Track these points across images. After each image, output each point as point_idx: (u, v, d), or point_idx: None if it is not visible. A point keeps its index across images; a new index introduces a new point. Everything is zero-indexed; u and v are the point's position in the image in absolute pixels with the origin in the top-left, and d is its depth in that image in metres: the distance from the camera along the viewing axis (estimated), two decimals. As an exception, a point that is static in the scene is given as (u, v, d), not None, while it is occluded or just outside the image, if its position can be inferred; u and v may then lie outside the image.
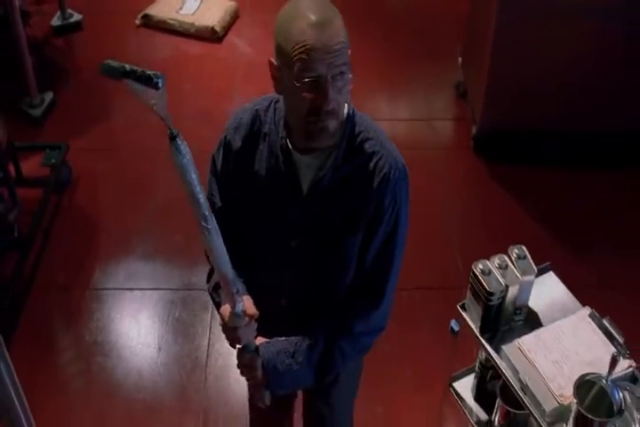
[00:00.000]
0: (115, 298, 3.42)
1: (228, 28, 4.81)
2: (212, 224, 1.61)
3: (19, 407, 2.01)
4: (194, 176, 1.53)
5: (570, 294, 2.41)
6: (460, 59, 4.37)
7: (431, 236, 3.62)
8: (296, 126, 1.84)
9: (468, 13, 4.27)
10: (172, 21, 4.76)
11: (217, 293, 1.98)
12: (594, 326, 2.28)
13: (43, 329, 3.30)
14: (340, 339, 1.95)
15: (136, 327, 3.32)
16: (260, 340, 1.94)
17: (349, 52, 1.75)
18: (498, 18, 3.66)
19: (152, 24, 4.81)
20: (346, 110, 1.87)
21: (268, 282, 2.03)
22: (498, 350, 2.26)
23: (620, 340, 2.22)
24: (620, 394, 1.98)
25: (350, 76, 1.77)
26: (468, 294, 2.31)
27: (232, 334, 1.85)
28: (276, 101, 1.92)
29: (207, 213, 1.59)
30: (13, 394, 1.98)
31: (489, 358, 2.30)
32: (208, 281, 2.07)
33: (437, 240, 3.61)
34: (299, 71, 1.71)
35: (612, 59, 3.76)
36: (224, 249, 1.67)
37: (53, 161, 3.77)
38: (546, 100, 3.87)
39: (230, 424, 3.01)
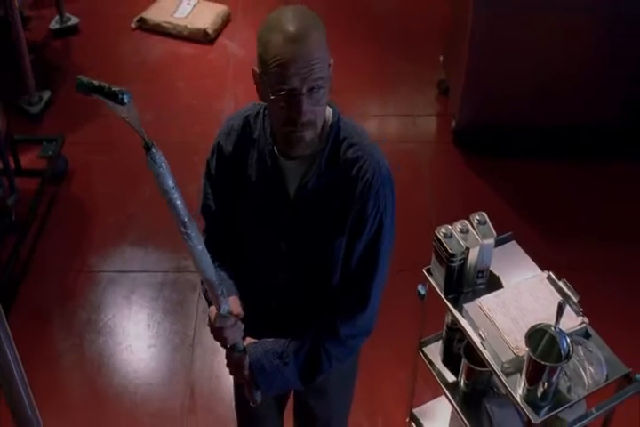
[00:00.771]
0: (108, 280, 3.59)
1: (219, 30, 5.00)
2: (193, 230, 1.62)
3: (17, 376, 2.17)
4: (171, 184, 1.55)
5: (530, 260, 2.56)
6: (441, 57, 4.56)
7: (413, 223, 3.78)
8: (276, 134, 1.88)
9: (448, 15, 4.47)
10: (166, 24, 4.96)
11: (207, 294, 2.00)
12: (551, 287, 2.43)
13: (38, 308, 3.47)
14: (327, 341, 1.98)
15: (127, 306, 3.49)
16: (248, 340, 1.98)
17: (331, 64, 1.78)
18: (474, 17, 3.84)
19: (147, 27, 5.00)
20: (330, 116, 1.91)
21: (259, 283, 2.07)
22: (460, 310, 2.41)
23: (575, 299, 2.37)
24: (568, 341, 2.12)
25: (328, 88, 1.79)
26: (433, 258, 2.46)
27: (219, 335, 1.88)
28: (266, 108, 1.95)
29: (187, 220, 1.60)
30: (12, 363, 2.15)
31: (453, 317, 2.45)
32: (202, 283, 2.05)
33: (418, 226, 3.77)
34: (274, 83, 1.74)
35: (586, 54, 3.93)
36: (206, 253, 1.69)
37: (50, 153, 3.94)
38: (521, 94, 4.04)
39: (215, 398, 3.16)
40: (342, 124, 1.92)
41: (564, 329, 2.17)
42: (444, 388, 2.63)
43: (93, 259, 3.68)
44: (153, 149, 1.53)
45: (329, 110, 1.92)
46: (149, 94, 4.51)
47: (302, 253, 2.00)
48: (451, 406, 2.69)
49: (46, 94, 4.40)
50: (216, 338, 1.91)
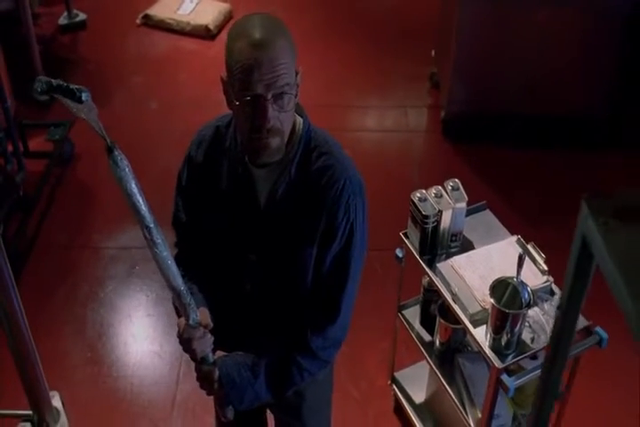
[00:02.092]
0: (110, 256, 3.78)
1: (221, 26, 5.21)
2: (158, 236, 1.59)
3: (27, 340, 2.36)
4: (134, 187, 1.52)
5: (502, 226, 2.74)
6: (433, 52, 4.75)
7: (403, 207, 3.95)
8: (243, 142, 1.87)
9: (439, 12, 4.67)
10: (169, 20, 5.17)
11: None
12: (520, 249, 2.61)
13: (44, 280, 3.65)
14: (298, 354, 1.96)
15: (128, 279, 3.67)
16: (219, 354, 1.96)
17: (299, 72, 1.78)
18: (461, 12, 4.02)
19: (152, 23, 5.21)
20: (300, 125, 1.89)
21: (228, 294, 2.05)
22: (434, 269, 2.59)
23: (541, 260, 2.54)
24: (529, 291, 2.29)
25: (294, 95, 1.77)
26: (409, 222, 2.64)
27: (187, 346, 1.84)
28: None
29: (152, 226, 1.57)
30: (24, 331, 2.33)
31: (427, 276, 2.63)
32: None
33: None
34: (239, 89, 1.73)
35: (571, 46, 4.09)
36: (172, 260, 1.66)
37: (57, 137, 4.13)
38: (507, 86, 4.22)
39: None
40: (313, 133, 1.92)
41: (530, 286, 2.34)
42: (422, 347, 2.80)
43: (97, 236, 3.87)
44: (115, 152, 1.50)
45: (299, 120, 1.91)
46: (154, 86, 4.73)
47: (272, 264, 1.98)
48: (429, 368, 2.86)
49: (54, 84, 4.60)
50: (185, 350, 1.87)
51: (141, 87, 4.76)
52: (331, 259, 1.93)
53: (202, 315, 1.82)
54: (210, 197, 1.97)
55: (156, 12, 5.23)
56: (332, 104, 4.64)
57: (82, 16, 5.17)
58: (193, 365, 1.93)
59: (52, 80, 1.47)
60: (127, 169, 1.52)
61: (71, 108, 1.47)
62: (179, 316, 1.87)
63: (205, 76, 4.85)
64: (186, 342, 1.84)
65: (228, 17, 5.28)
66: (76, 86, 1.45)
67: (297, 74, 1.80)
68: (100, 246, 3.82)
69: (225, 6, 5.29)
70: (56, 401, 2.56)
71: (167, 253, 1.64)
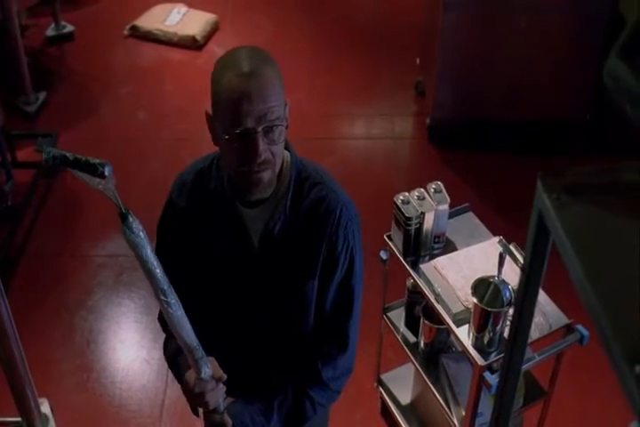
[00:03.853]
0: (99, 263, 3.80)
1: (208, 37, 5.25)
2: (172, 297, 1.57)
3: (14, 347, 2.37)
4: (149, 253, 1.49)
5: (485, 228, 2.78)
6: (417, 60, 4.80)
7: (387, 213, 4.00)
8: (233, 179, 1.81)
9: (423, 20, 4.72)
10: (157, 31, 5.21)
11: (176, 360, 1.94)
12: (501, 249, 2.64)
13: (33, 288, 3.67)
14: (310, 388, 1.93)
15: (116, 287, 3.69)
16: (227, 400, 1.87)
17: (287, 104, 1.74)
18: (444, 20, 4.05)
19: (139, 34, 5.25)
20: (288, 157, 1.85)
21: (228, 340, 2.00)
22: (417, 270, 2.62)
23: (523, 259, 2.57)
24: (510, 289, 2.33)
25: (285, 127, 1.73)
26: (392, 224, 2.68)
27: (200, 400, 1.77)
28: (218, 159, 1.89)
29: (166, 288, 1.55)
30: (11, 337, 2.34)
31: (411, 277, 2.66)
32: (165, 349, 2.05)
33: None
34: (227, 123, 1.68)
35: (554, 52, 4.13)
36: (185, 319, 1.62)
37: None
38: (491, 92, 4.27)
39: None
40: (302, 164, 1.88)
41: (512, 285, 2.38)
42: (407, 349, 2.83)
43: (84, 244, 3.89)
44: (130, 218, 1.47)
45: (286, 152, 1.86)
46: (141, 96, 4.76)
47: (272, 303, 1.93)
48: (414, 370, 2.89)
49: (42, 95, 4.63)
50: (196, 404, 1.81)
51: (129, 97, 4.79)
52: (334, 288, 1.91)
53: (212, 366, 1.76)
54: (199, 244, 1.91)
55: (144, 23, 5.27)
56: (320, 113, 4.68)
57: (69, 28, 5.20)
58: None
59: (67, 154, 1.41)
60: (142, 234, 1.49)
61: (84, 178, 1.43)
62: (176, 376, 1.88)
63: (192, 86, 4.88)
64: (198, 396, 1.77)
65: (214, 27, 5.32)
66: (98, 160, 1.40)
67: (286, 105, 1.76)
68: (87, 254, 3.84)
69: (212, 17, 5.34)
70: (45, 408, 2.58)
71: (181, 313, 1.61)
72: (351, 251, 1.89)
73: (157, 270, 1.53)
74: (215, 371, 1.76)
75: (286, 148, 1.86)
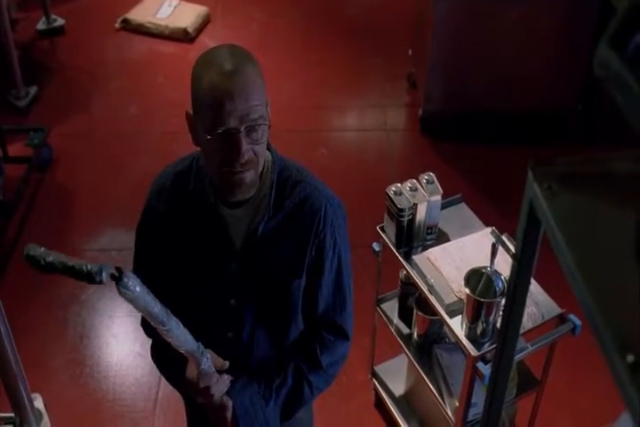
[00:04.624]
0: (91, 258, 3.78)
1: (199, 29, 5.22)
2: (170, 323, 1.58)
3: (7, 343, 2.36)
4: (148, 300, 1.50)
5: (477, 219, 2.78)
6: (410, 51, 4.79)
7: (379, 205, 4.00)
8: (215, 179, 1.78)
9: (415, 12, 4.71)
10: (148, 24, 5.18)
11: (167, 364, 1.98)
12: (493, 240, 2.64)
13: (24, 283, 3.64)
14: (309, 373, 1.96)
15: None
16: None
17: (268, 104, 1.71)
18: (435, 11, 4.05)
19: (130, 27, 5.22)
20: (269, 157, 1.83)
21: (213, 340, 1.91)
22: (410, 262, 2.62)
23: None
24: (502, 279, 2.33)
25: (267, 126, 1.71)
26: (385, 216, 2.67)
27: (206, 394, 1.79)
28: (197, 159, 1.87)
29: (165, 320, 1.56)
30: (3, 333, 2.33)
31: (404, 268, 2.66)
32: (153, 355, 2.08)
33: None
34: (210, 123, 1.65)
35: (545, 43, 4.14)
36: (186, 335, 1.64)
37: (36, 141, 4.14)
38: (482, 82, 4.27)
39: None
40: (282, 163, 1.87)
41: (504, 275, 2.38)
42: (400, 340, 2.83)
43: (76, 238, 3.88)
44: (125, 279, 1.45)
45: (267, 152, 1.84)
46: (132, 89, 4.74)
47: (256, 305, 1.92)
48: (408, 361, 2.89)
49: (33, 89, 4.61)
50: (203, 398, 1.82)
51: (121, 91, 4.77)
52: (327, 285, 1.92)
53: (211, 356, 1.77)
54: (179, 246, 1.89)
55: (135, 16, 5.24)
56: (312, 105, 4.67)
57: (60, 21, 5.17)
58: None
59: (65, 260, 1.39)
60: (139, 288, 1.47)
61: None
62: (165, 375, 1.96)
63: (184, 79, 4.75)
64: (204, 391, 1.78)
65: (206, 20, 5.30)
66: (93, 266, 1.39)
67: (267, 104, 1.74)
68: (80, 249, 3.83)
69: (203, 9, 5.31)
70: (38, 403, 2.56)
71: (181, 331, 1.63)
72: (339, 246, 1.90)
73: (155, 309, 1.52)
74: (216, 361, 1.79)
75: (267, 147, 1.84)
